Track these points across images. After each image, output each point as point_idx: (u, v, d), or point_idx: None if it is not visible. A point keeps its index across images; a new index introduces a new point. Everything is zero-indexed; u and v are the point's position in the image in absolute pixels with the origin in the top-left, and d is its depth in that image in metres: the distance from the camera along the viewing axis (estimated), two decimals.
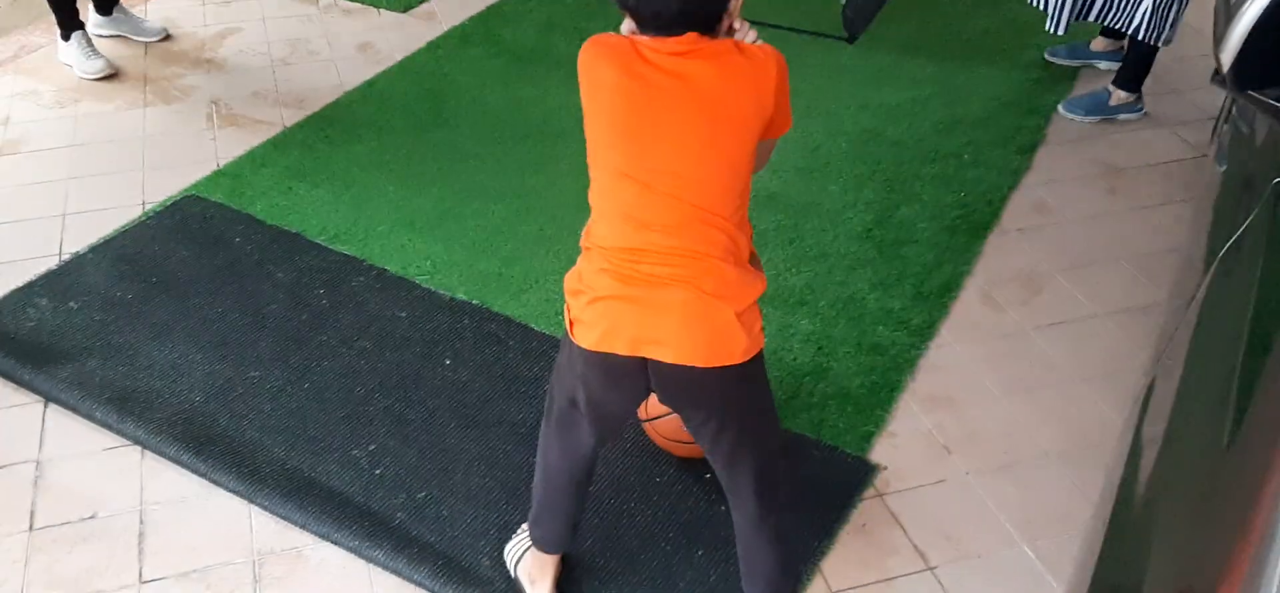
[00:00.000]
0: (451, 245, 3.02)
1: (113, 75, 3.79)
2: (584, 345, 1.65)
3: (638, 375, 1.67)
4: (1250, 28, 1.39)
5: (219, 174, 3.30)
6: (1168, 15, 3.37)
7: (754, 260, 1.70)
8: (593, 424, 1.82)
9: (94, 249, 2.97)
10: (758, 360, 1.70)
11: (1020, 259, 3.04)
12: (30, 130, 3.52)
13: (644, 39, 1.60)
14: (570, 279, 1.70)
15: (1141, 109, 3.67)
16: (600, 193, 1.64)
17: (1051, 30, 3.56)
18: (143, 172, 3.32)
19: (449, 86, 3.82)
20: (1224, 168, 1.94)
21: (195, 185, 3.24)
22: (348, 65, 3.92)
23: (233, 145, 3.44)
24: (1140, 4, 3.37)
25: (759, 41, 1.66)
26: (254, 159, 3.37)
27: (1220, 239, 1.56)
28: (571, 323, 1.68)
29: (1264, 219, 1.37)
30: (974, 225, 3.15)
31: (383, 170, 3.34)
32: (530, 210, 3.17)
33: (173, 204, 3.16)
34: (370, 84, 3.81)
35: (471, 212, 3.16)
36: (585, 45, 1.63)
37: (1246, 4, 1.42)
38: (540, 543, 2.01)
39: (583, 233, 1.70)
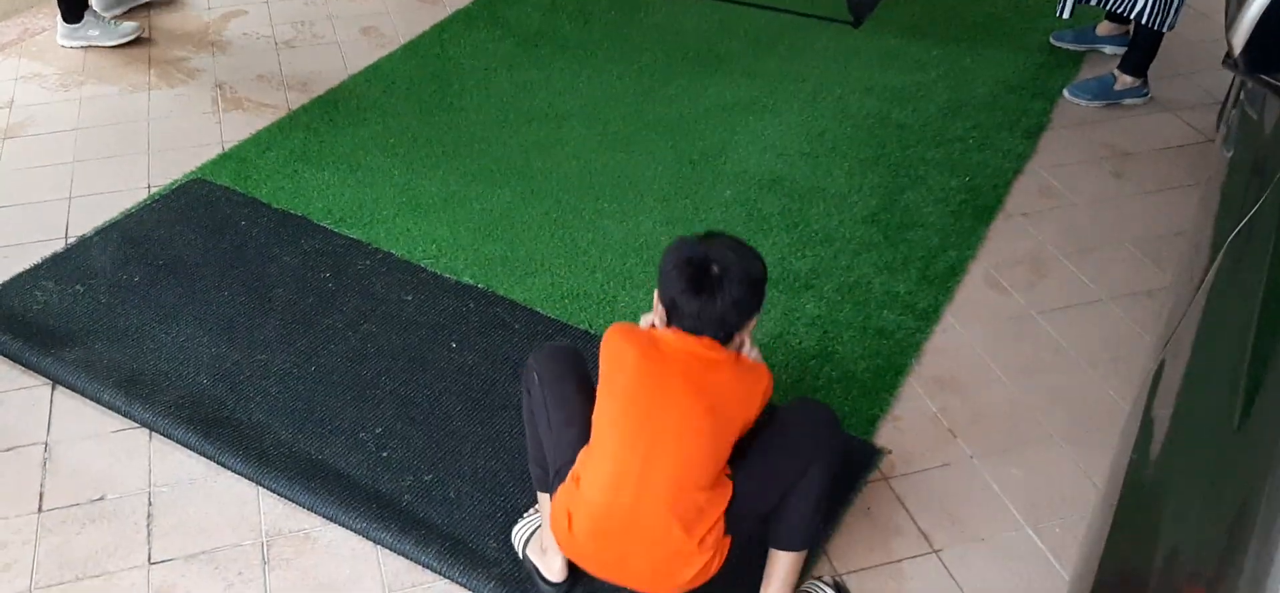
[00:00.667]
0: (457, 229, 3.02)
1: (136, 40, 3.85)
2: (550, 578, 2.03)
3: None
4: (1262, 11, 1.39)
5: (224, 157, 3.30)
6: (1172, 0, 3.37)
7: (719, 481, 1.91)
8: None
9: (100, 232, 2.97)
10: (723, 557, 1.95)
11: (1026, 243, 3.04)
12: (35, 113, 3.52)
13: (665, 333, 1.90)
14: (552, 513, 1.98)
15: (1147, 93, 3.66)
16: (598, 451, 1.90)
17: (1059, 14, 3.56)
18: (148, 155, 3.32)
19: (454, 69, 3.81)
20: (1231, 152, 1.93)
21: (201, 168, 3.24)
22: (352, 48, 3.91)
23: (238, 128, 3.44)
24: None
25: (758, 358, 2.04)
26: (259, 142, 3.37)
27: (1228, 223, 1.56)
28: (542, 548, 2.04)
29: (1274, 204, 1.37)
30: (979, 209, 3.15)
31: (388, 153, 3.34)
32: (536, 193, 3.17)
33: (178, 187, 3.16)
34: (375, 67, 3.80)
35: (477, 195, 3.16)
36: (612, 330, 1.94)
37: None
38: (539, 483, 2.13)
39: (571, 476, 1.93)
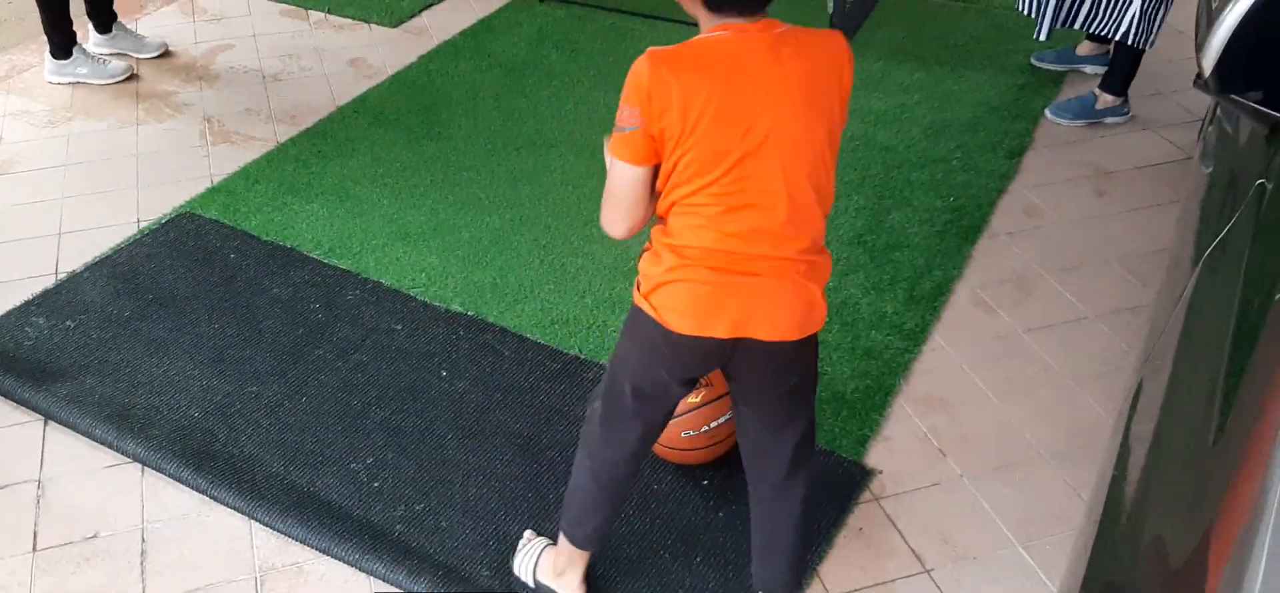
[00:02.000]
0: (446, 257, 3.04)
1: (131, 77, 3.87)
2: (681, 330, 1.67)
3: (724, 356, 1.73)
4: (1231, 32, 1.42)
5: (213, 190, 3.31)
6: (1155, 19, 3.41)
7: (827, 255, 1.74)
8: (647, 413, 1.86)
9: (90, 267, 2.98)
10: None
11: (1011, 262, 3.06)
12: (23, 149, 3.53)
13: (718, 31, 1.59)
14: (651, 266, 1.70)
15: (1128, 112, 3.71)
16: (695, 203, 1.62)
17: (1037, 36, 3.60)
18: (137, 189, 3.33)
19: (441, 99, 3.83)
20: (1209, 169, 1.96)
21: (190, 202, 3.26)
22: (340, 80, 3.94)
23: (226, 161, 3.46)
24: (1127, 9, 3.41)
25: None
26: (248, 175, 3.39)
27: (1207, 239, 1.58)
28: (655, 308, 1.69)
29: (1248, 219, 1.40)
30: (964, 229, 3.18)
31: (376, 183, 3.36)
32: (524, 221, 3.19)
33: (168, 221, 3.17)
34: (362, 98, 3.83)
35: (465, 223, 3.18)
36: (654, 61, 1.57)
37: (1227, 9, 1.44)
38: (584, 542, 2.03)
39: (655, 233, 1.72)
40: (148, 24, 4.28)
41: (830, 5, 4.18)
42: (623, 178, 1.65)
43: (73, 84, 3.85)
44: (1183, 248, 1.76)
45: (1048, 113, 3.74)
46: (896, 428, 2.52)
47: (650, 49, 1.59)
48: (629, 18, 4.36)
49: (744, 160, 1.58)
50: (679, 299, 1.66)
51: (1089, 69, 3.97)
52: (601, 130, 3.64)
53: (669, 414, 1.90)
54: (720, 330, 1.66)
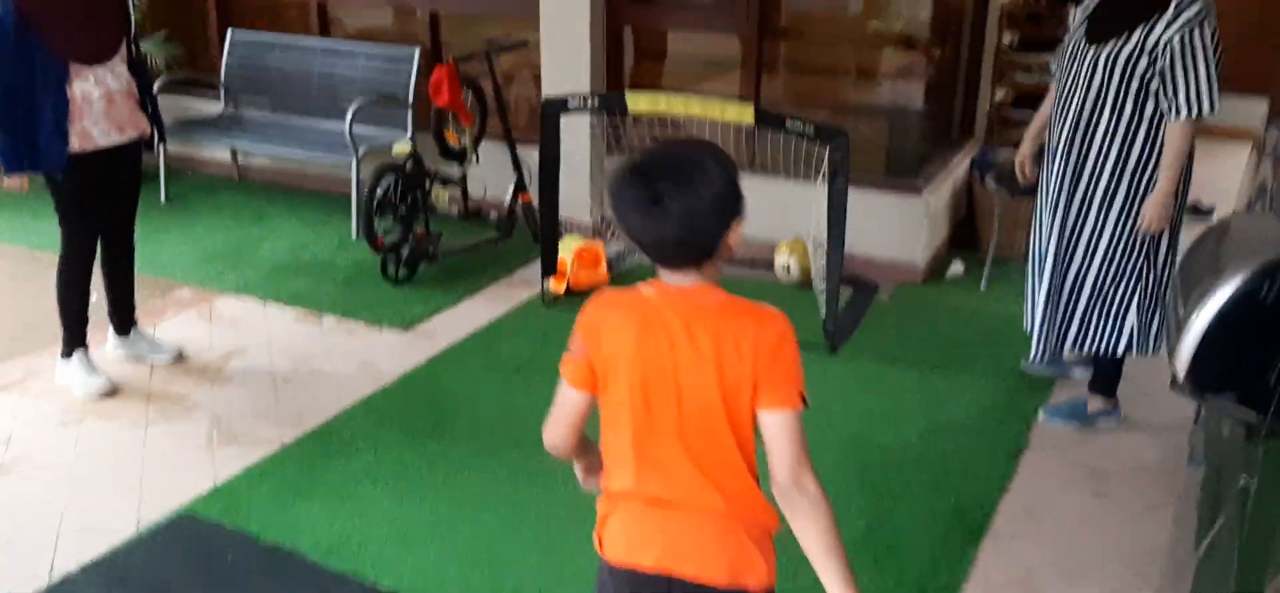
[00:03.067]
0: (444, 558, 3.01)
1: (113, 393, 3.90)
2: (613, 559, 1.78)
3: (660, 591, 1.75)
4: (1200, 336, 1.49)
5: (216, 491, 3.33)
6: (1151, 323, 3.52)
7: (768, 511, 1.75)
8: None
9: (85, 569, 2.95)
10: None
11: (1016, 566, 3.03)
12: (31, 449, 3.57)
13: (647, 287, 1.72)
14: (600, 505, 1.83)
15: (1119, 414, 3.77)
16: (617, 446, 1.75)
17: (1033, 359, 3.72)
18: (140, 491, 3.35)
19: (446, 399, 3.92)
20: (1201, 470, 2.00)
21: (191, 503, 3.26)
22: (349, 382, 4.04)
23: (231, 463, 3.49)
24: (1124, 322, 3.52)
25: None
26: (252, 476, 3.41)
27: (1200, 540, 1.59)
28: (599, 540, 1.81)
29: (1234, 518, 1.42)
30: (967, 530, 3.16)
31: (378, 483, 3.38)
32: (524, 520, 3.18)
33: (168, 523, 3.17)
34: (369, 400, 3.91)
35: (465, 520, 3.17)
36: (596, 301, 1.76)
37: (1194, 313, 1.52)
38: None
39: (600, 480, 1.85)
40: (166, 328, 4.44)
41: (822, 310, 4.35)
42: (559, 394, 1.81)
43: (107, 393, 3.89)
44: (1180, 549, 1.77)
45: (1041, 415, 3.80)
46: None
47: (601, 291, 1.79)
48: None
49: (645, 416, 1.69)
50: (614, 529, 1.78)
51: (1078, 373, 4.07)
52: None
53: None
54: (647, 560, 1.72)
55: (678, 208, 1.59)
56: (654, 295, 1.71)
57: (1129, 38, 3.27)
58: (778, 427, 1.67)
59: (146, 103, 3.87)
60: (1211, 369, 1.48)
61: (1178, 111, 3.24)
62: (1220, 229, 1.70)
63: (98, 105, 3.65)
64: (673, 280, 1.70)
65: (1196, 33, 3.17)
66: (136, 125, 3.82)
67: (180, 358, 4.18)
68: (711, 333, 1.66)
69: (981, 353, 4.30)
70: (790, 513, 1.68)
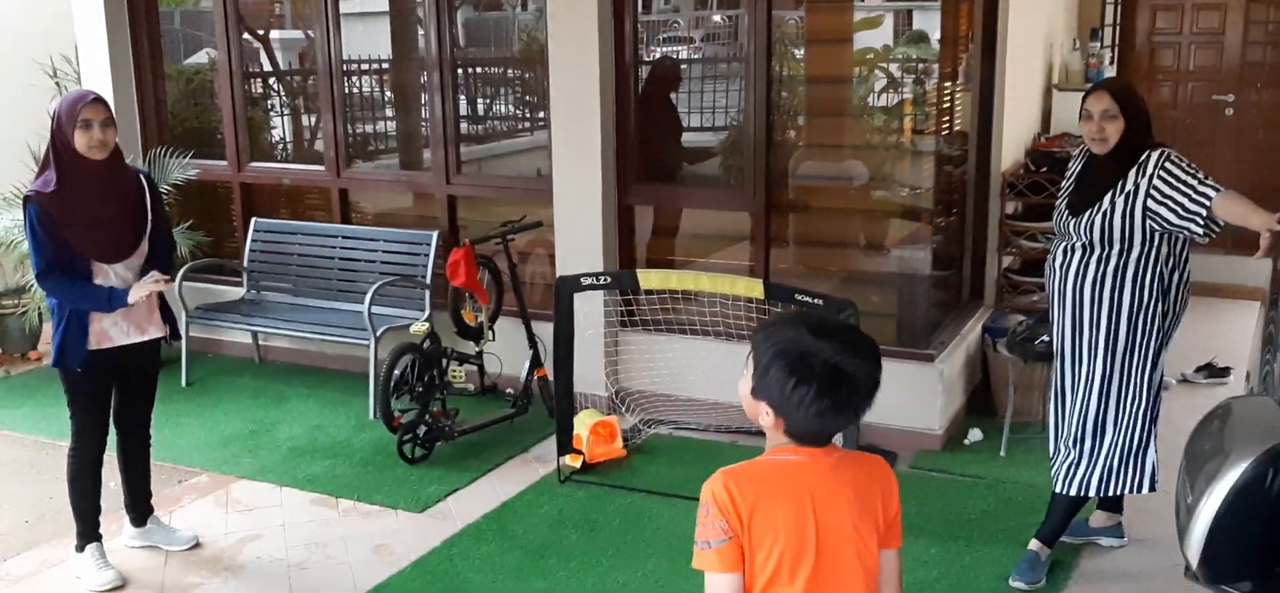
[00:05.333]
0: None
1: (121, 587, 3.87)
2: None
3: None
4: (1210, 523, 1.48)
5: None
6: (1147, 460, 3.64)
7: None
8: None
9: None
10: None
11: None
12: None
13: (789, 454, 1.80)
14: None
15: (1124, 537, 3.93)
16: None
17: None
18: None
19: (460, 584, 3.87)
20: None
21: None
22: (363, 568, 4.00)
23: None
24: (1146, 458, 3.61)
25: None
26: None
27: None
28: None
29: None
30: None
31: None
32: None
33: None
34: (383, 586, 3.86)
35: None
36: (732, 480, 1.77)
37: (1202, 500, 1.52)
38: None
39: None
40: (182, 516, 4.43)
41: None
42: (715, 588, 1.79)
43: (117, 587, 3.87)
44: None
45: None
46: None
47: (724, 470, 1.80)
48: (646, 496, 4.49)
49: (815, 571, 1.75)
50: None
51: (1104, 541, 4.00)
52: None
53: None
54: None
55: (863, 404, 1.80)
56: (803, 461, 1.82)
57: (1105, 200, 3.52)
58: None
59: (166, 304, 3.97)
60: (1224, 558, 1.46)
61: (1206, 198, 3.34)
62: (1223, 412, 1.70)
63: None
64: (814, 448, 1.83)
65: (1168, 163, 3.43)
66: (155, 325, 3.91)
67: (196, 545, 4.16)
68: (855, 481, 1.87)
69: (1006, 523, 4.23)
70: None
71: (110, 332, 3.75)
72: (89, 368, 3.73)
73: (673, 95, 6.06)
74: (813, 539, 1.74)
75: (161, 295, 3.92)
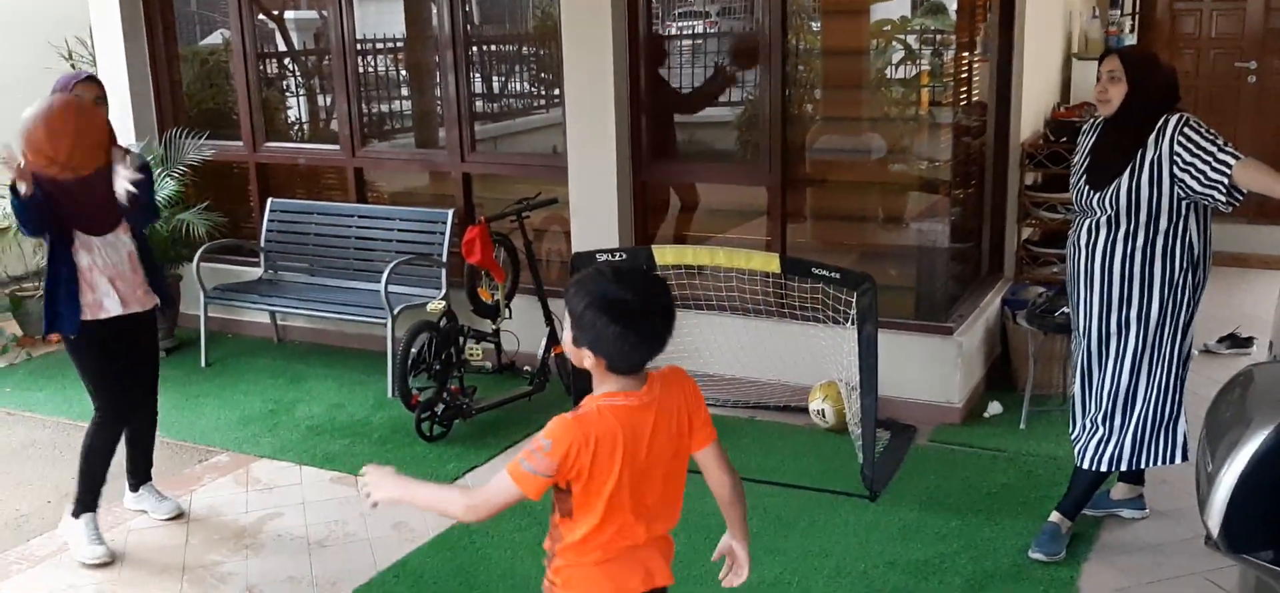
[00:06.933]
0: None
1: (108, 564, 3.91)
2: None
3: None
4: (1230, 491, 1.46)
5: None
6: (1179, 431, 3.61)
7: None
8: None
9: None
10: None
11: None
12: None
13: (620, 399, 2.06)
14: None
15: (1145, 509, 3.89)
16: (601, 532, 2.13)
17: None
18: None
19: (479, 560, 3.88)
20: None
21: None
22: (382, 545, 4.01)
23: None
24: (1177, 427, 3.60)
25: None
26: None
27: None
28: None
29: None
30: None
31: None
32: None
33: None
34: (403, 563, 3.88)
35: None
36: (581, 442, 2.03)
37: (1223, 468, 1.49)
38: None
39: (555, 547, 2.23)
40: (202, 494, 4.47)
41: (860, 456, 4.29)
42: (510, 496, 2.15)
43: (102, 563, 3.91)
44: None
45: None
46: None
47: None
48: None
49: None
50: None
51: (1126, 513, 3.97)
52: None
53: None
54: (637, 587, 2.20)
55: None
56: (633, 405, 2.10)
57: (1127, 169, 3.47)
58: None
59: (155, 276, 4.04)
60: (1245, 527, 1.44)
61: (1227, 165, 3.29)
62: (1245, 380, 1.68)
63: (103, 273, 3.81)
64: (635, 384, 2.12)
65: (1186, 128, 3.38)
66: (147, 299, 3.99)
67: (179, 514, 4.24)
68: (674, 404, 2.20)
69: (1026, 496, 4.20)
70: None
71: (104, 302, 3.83)
72: (87, 336, 3.81)
73: (689, 70, 6.04)
74: (642, 470, 2.06)
75: (150, 272, 3.99)
